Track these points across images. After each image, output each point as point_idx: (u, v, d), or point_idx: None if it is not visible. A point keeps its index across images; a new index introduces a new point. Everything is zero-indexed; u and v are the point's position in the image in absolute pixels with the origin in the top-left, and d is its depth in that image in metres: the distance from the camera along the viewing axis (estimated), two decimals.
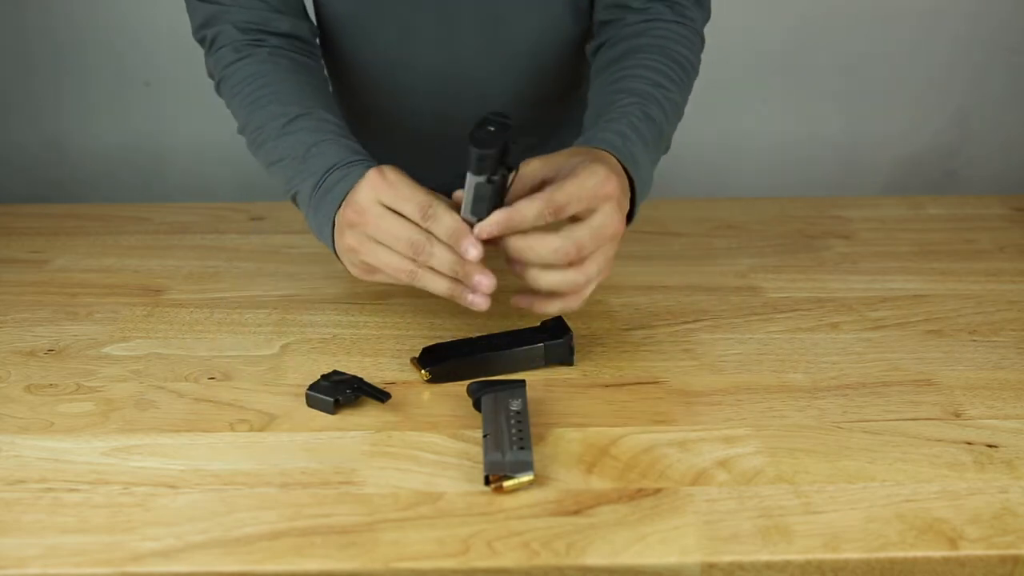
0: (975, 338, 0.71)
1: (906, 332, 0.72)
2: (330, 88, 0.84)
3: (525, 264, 0.58)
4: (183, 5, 0.78)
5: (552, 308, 0.60)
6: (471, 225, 0.57)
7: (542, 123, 0.92)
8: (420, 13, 0.80)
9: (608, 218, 0.57)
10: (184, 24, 0.78)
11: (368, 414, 0.61)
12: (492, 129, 0.53)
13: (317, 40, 0.83)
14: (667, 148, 0.71)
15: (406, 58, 0.84)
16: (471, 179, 0.54)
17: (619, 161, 0.62)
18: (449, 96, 0.86)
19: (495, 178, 0.54)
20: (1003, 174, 1.75)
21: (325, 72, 0.82)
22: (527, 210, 0.55)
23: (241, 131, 0.74)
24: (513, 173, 0.56)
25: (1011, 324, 0.73)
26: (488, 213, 0.56)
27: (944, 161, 1.77)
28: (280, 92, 0.71)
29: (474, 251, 0.56)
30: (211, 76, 0.78)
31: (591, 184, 0.56)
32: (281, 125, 0.69)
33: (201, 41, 0.78)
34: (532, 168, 0.58)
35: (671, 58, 0.73)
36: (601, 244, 0.58)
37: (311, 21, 0.81)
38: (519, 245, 0.57)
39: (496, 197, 0.56)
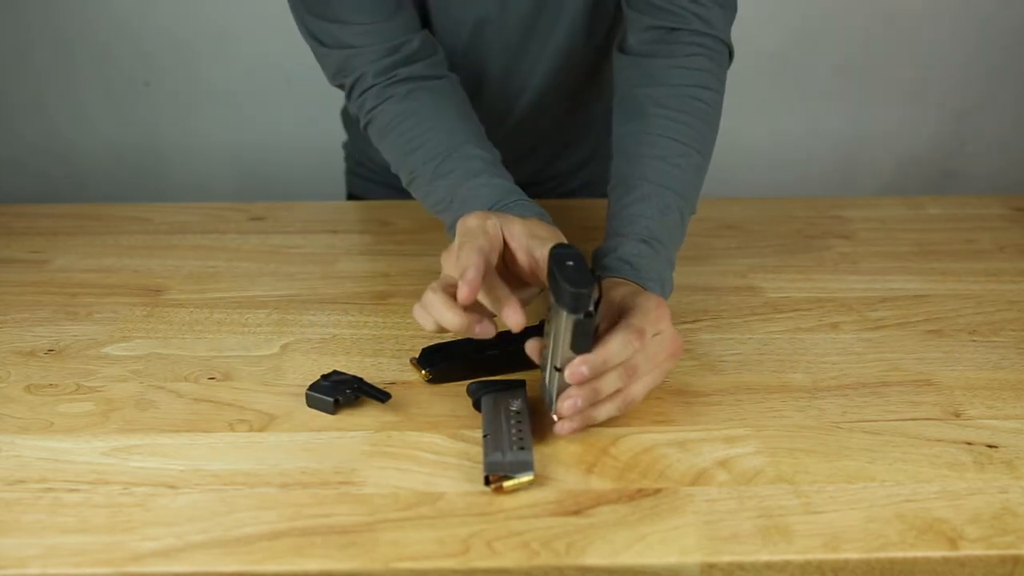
0: (975, 338, 0.71)
1: (906, 332, 0.72)
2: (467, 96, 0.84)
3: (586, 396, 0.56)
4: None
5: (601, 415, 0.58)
6: (561, 364, 0.55)
7: (568, 114, 0.96)
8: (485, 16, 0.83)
9: (671, 336, 0.59)
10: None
11: (368, 414, 0.61)
12: (572, 264, 0.52)
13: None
14: (693, 211, 0.71)
15: (468, 57, 0.86)
16: (568, 318, 0.52)
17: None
18: (497, 92, 0.90)
19: (592, 310, 0.52)
20: (1003, 174, 1.76)
21: (456, 79, 0.81)
22: (614, 343, 0.55)
23: (395, 171, 0.76)
24: (599, 297, 0.54)
25: (1011, 324, 0.73)
26: (590, 347, 0.54)
27: (944, 161, 1.77)
28: (427, 132, 0.73)
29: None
30: (355, 118, 0.80)
31: (654, 309, 0.58)
32: (432, 170, 0.71)
33: (340, 87, 0.79)
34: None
35: (693, 113, 0.72)
36: (661, 362, 0.58)
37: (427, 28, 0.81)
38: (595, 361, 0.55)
39: (594, 329, 0.54)
